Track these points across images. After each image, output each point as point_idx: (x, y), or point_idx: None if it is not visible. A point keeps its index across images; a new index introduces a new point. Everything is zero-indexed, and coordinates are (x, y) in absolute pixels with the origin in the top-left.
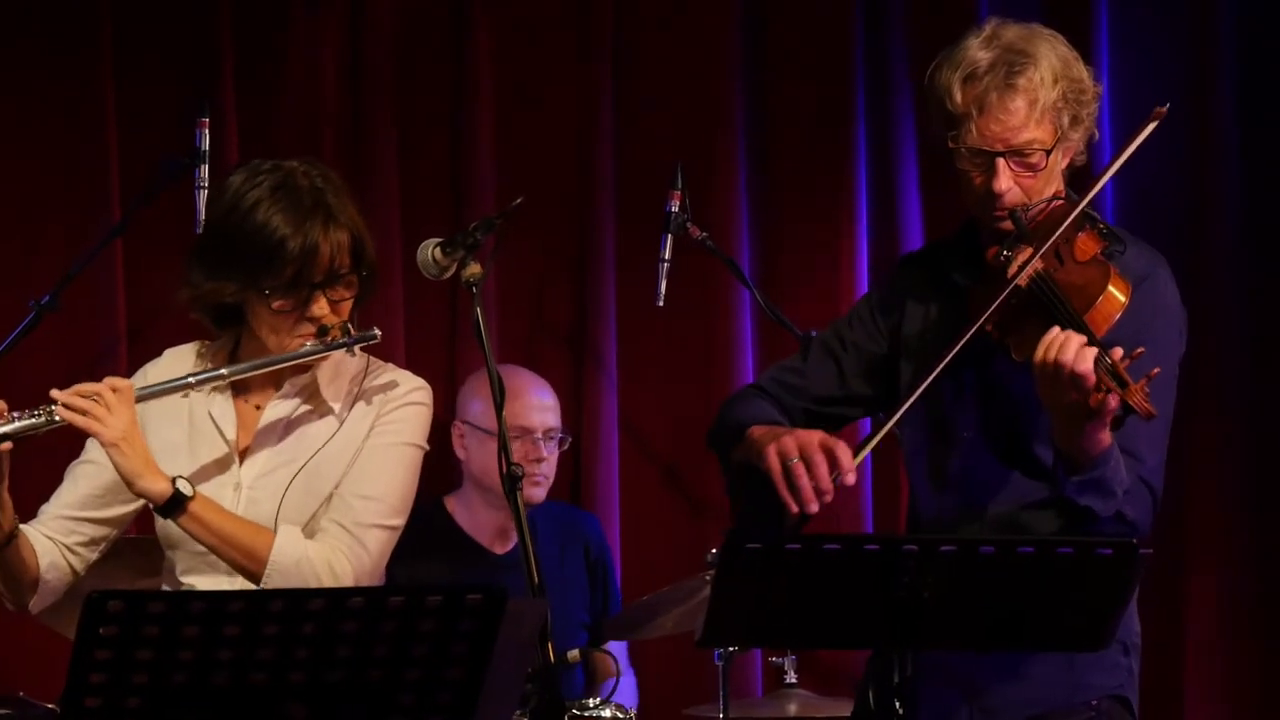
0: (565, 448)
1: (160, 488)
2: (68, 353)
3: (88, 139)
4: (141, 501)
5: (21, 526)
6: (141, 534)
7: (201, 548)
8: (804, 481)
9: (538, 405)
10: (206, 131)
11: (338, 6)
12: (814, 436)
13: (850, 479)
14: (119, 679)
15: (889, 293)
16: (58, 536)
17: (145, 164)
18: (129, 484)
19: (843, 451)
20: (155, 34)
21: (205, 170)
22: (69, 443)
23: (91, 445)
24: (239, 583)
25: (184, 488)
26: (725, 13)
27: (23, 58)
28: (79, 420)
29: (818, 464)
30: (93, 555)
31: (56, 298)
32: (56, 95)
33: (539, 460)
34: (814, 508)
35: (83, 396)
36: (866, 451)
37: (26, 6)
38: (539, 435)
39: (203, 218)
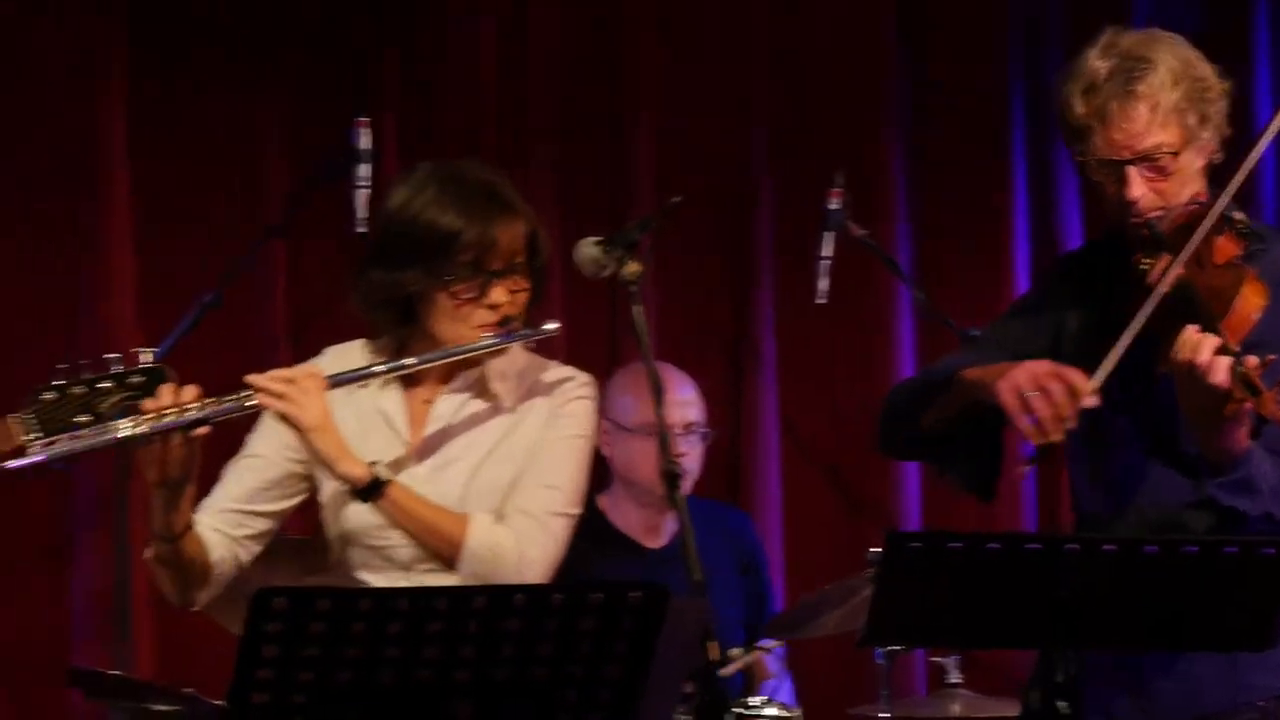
0: (708, 442)
1: (360, 471)
2: (230, 350)
3: (251, 139)
4: (303, 496)
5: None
6: (302, 534)
7: (377, 542)
8: (1044, 410)
9: (679, 400)
10: (366, 131)
11: (498, 6)
12: (1043, 365)
13: (1091, 400)
14: (285, 676)
15: (1047, 291)
16: (226, 529)
17: (306, 163)
18: (329, 468)
19: (1076, 375)
20: (317, 34)
21: (365, 169)
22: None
23: (255, 439)
24: (413, 579)
25: (383, 472)
26: (883, 11)
27: (192, 61)
28: (276, 405)
29: (1054, 391)
30: (256, 549)
31: (219, 296)
32: (221, 96)
33: (681, 455)
34: (1058, 436)
35: (278, 382)
36: (1104, 375)
37: (197, 9)
38: (680, 430)
39: (361, 216)
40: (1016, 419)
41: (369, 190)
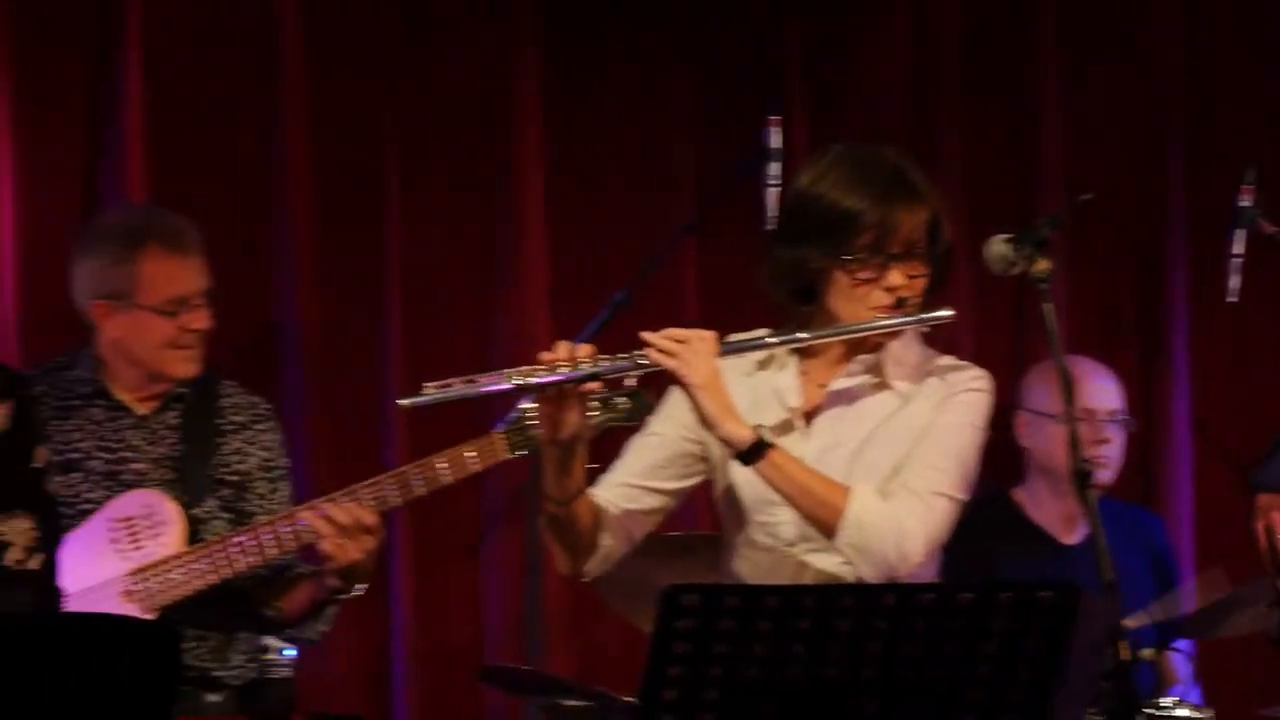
0: (1131, 430)
1: (744, 433)
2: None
3: (664, 139)
4: (700, 477)
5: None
6: (713, 531)
7: (765, 518)
8: None
9: (1099, 388)
10: (777, 130)
11: (908, 5)
12: None
13: None
14: (695, 673)
15: None
16: (619, 503)
17: (718, 163)
18: (712, 427)
19: None
20: (728, 34)
21: (775, 168)
22: None
23: (655, 418)
24: (795, 554)
25: (766, 435)
26: None
27: (605, 59)
28: (667, 362)
29: None
30: (650, 525)
31: (631, 295)
32: (633, 95)
33: (1103, 442)
34: None
35: (671, 340)
36: None
37: (606, 10)
38: (1102, 417)
39: (771, 215)
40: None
41: (779, 189)
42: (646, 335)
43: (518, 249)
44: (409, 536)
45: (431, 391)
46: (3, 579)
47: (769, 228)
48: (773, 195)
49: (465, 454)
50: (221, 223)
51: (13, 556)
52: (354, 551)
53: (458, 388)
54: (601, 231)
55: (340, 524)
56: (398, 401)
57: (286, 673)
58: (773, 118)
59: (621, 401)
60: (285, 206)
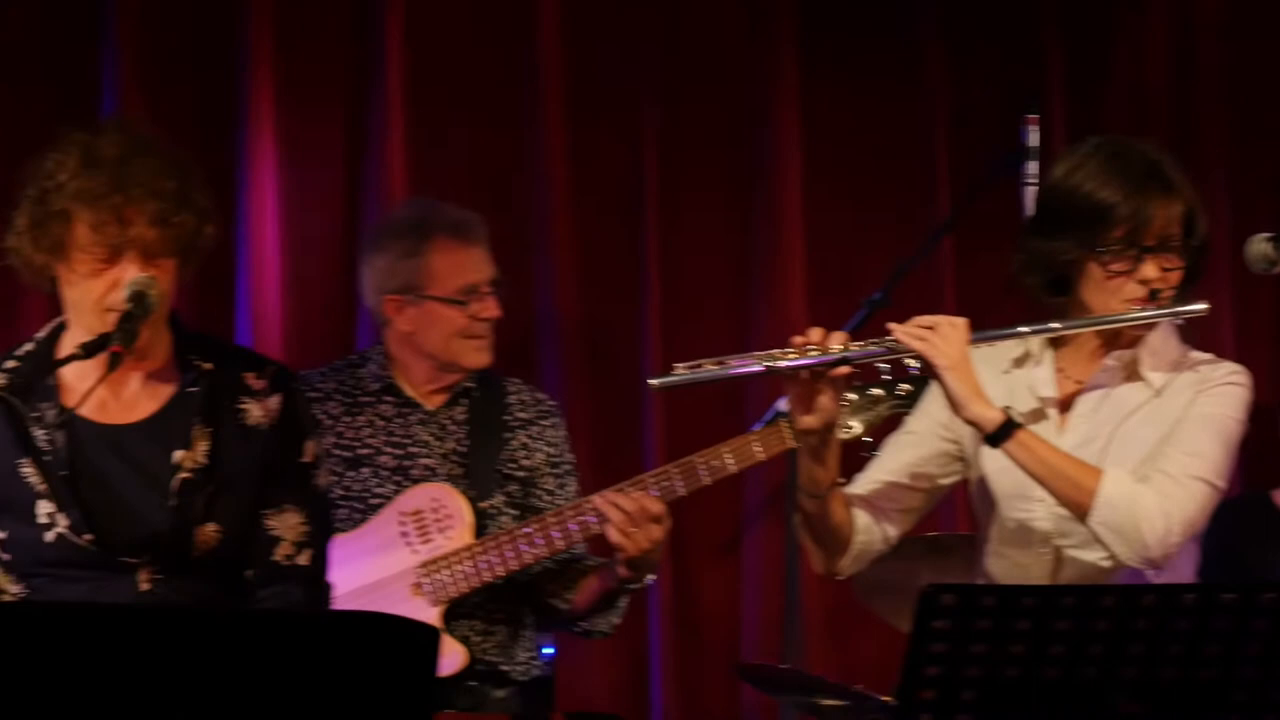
0: None
1: (991, 414)
2: None
3: (918, 137)
4: (956, 476)
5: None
6: (970, 531)
7: (1018, 514)
8: None
9: None
10: (1034, 128)
11: (1166, 3)
12: None
13: None
14: (952, 672)
15: None
16: (874, 500)
17: (974, 161)
18: (959, 409)
19: None
20: (984, 33)
21: (1033, 166)
22: None
23: (911, 416)
24: (1046, 556)
25: (1015, 415)
26: None
27: (862, 54)
28: (916, 344)
29: None
30: (905, 525)
31: (888, 294)
32: (891, 95)
33: None
34: None
35: (921, 326)
36: None
37: (863, 8)
38: None
39: (1029, 213)
40: None
41: (1037, 187)
42: (893, 326)
43: (775, 247)
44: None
45: (682, 372)
46: (273, 574)
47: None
48: (1030, 193)
49: (752, 444)
50: (481, 218)
51: (282, 551)
52: (642, 541)
53: (708, 368)
54: (858, 230)
55: (628, 513)
56: (649, 381)
57: (545, 672)
58: (1030, 116)
59: (905, 387)
60: (544, 201)
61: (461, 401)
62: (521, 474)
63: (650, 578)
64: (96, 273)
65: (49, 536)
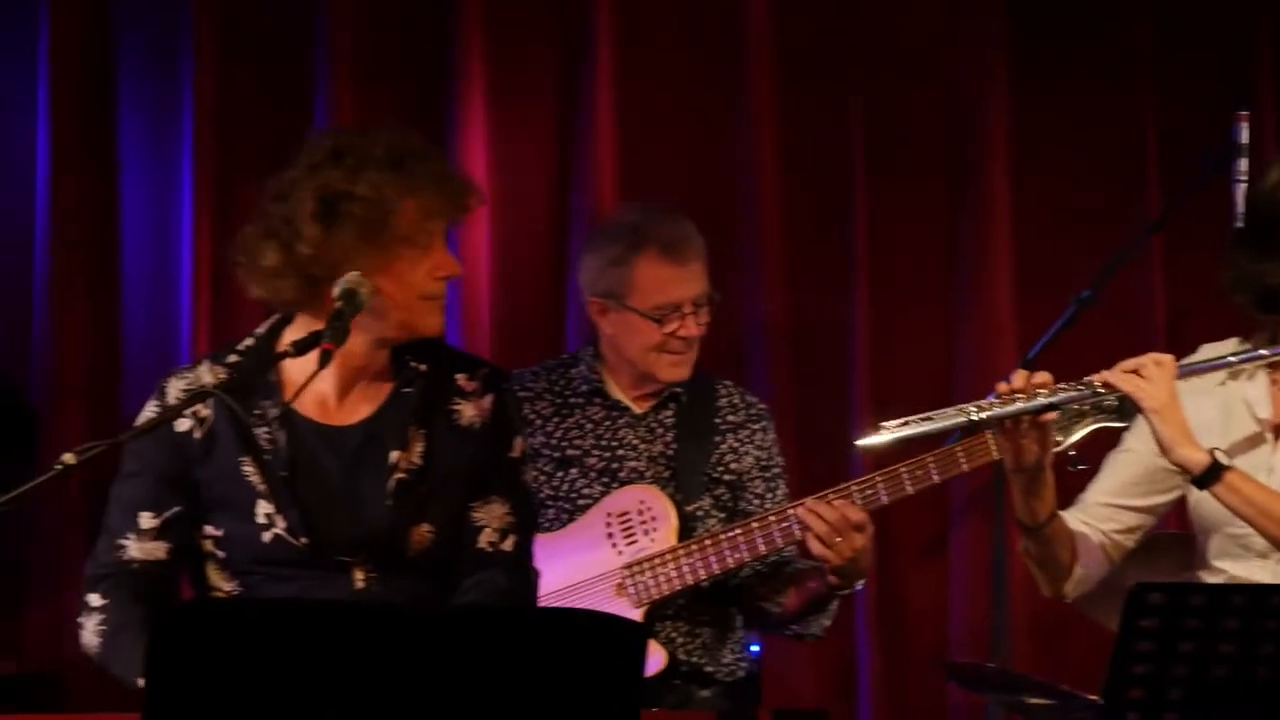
0: None
1: (1198, 457)
2: (1105, 348)
3: (1127, 136)
4: (1177, 493)
5: (1060, 513)
6: (1180, 530)
7: (1235, 530)
8: None
9: None
10: (1245, 125)
11: None
12: None
13: None
14: (1160, 671)
15: None
16: (1095, 523)
17: (1184, 159)
18: (1166, 451)
19: None
20: (1195, 28)
21: (1244, 164)
22: None
23: (1129, 434)
24: (1268, 567)
25: (1221, 458)
26: None
27: (1071, 53)
28: (1123, 385)
29: None
30: (1129, 544)
31: (1097, 293)
32: (1100, 93)
33: None
34: None
35: (1126, 371)
36: None
37: (1071, 7)
38: None
39: (1240, 212)
40: None
41: (1248, 185)
42: (1101, 375)
43: (983, 246)
44: (874, 532)
45: (889, 430)
46: (478, 560)
47: (1238, 225)
48: (1241, 192)
49: (957, 454)
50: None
51: (486, 539)
52: (845, 550)
53: (915, 425)
54: (1066, 227)
55: (830, 523)
56: (855, 442)
57: (752, 670)
58: (1241, 113)
59: (1109, 401)
60: (751, 202)
61: (670, 405)
62: (730, 478)
63: (859, 584)
64: (419, 260)
65: (266, 537)
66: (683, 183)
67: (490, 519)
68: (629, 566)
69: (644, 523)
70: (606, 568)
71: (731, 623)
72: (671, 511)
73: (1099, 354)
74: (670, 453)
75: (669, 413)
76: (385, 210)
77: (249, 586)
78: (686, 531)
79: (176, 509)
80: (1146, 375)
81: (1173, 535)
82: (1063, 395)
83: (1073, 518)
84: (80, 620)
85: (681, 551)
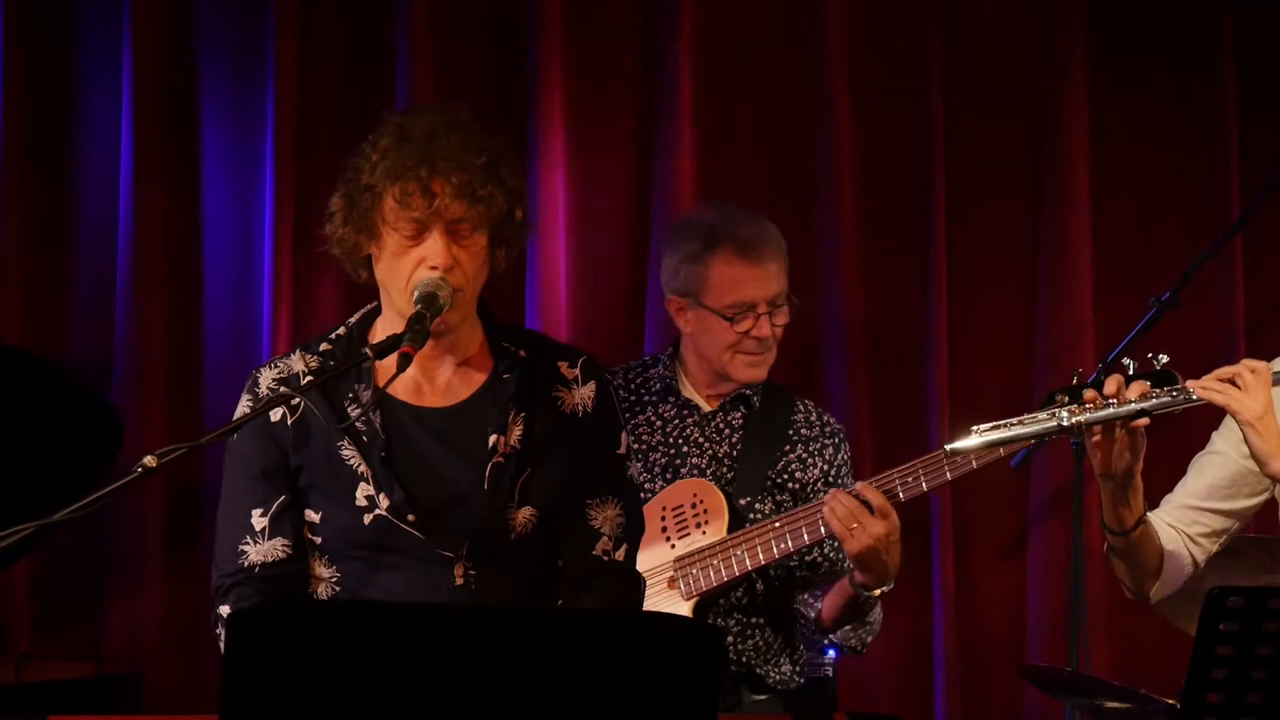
0: None
1: None
2: (1186, 348)
3: (1207, 135)
4: (1264, 496)
5: (1147, 514)
6: (1260, 533)
7: None
8: None
9: None
10: None
11: None
12: None
13: None
14: (1238, 675)
15: None
16: (1180, 526)
17: (1266, 159)
18: (1262, 464)
19: None
20: (1276, 29)
21: None
22: None
23: (1217, 436)
24: None
25: None
26: None
27: (1146, 56)
28: (1217, 397)
29: None
30: (1213, 547)
31: (1177, 294)
32: (1176, 91)
33: None
34: None
35: (1220, 379)
36: None
37: (1150, 4)
38: None
39: None
40: None
41: None
42: (1193, 383)
43: (1064, 248)
44: (951, 533)
45: (980, 433)
46: (594, 569)
47: None
48: None
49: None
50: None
51: (602, 546)
52: (863, 536)
53: (1006, 428)
54: (1147, 228)
55: (848, 507)
56: (946, 446)
57: (828, 672)
58: None
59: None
60: (832, 205)
61: (740, 407)
62: (793, 485)
63: (885, 587)
64: (404, 249)
65: (367, 519)
66: (762, 187)
67: (604, 522)
68: (680, 560)
69: (696, 516)
70: (660, 561)
71: (793, 632)
72: (724, 505)
73: (1179, 356)
74: (735, 454)
75: (738, 415)
76: (375, 195)
77: (346, 574)
78: (738, 527)
79: (281, 499)
80: (1242, 384)
81: (1252, 539)
82: (1155, 401)
83: (1157, 519)
84: (218, 632)
85: (730, 543)
